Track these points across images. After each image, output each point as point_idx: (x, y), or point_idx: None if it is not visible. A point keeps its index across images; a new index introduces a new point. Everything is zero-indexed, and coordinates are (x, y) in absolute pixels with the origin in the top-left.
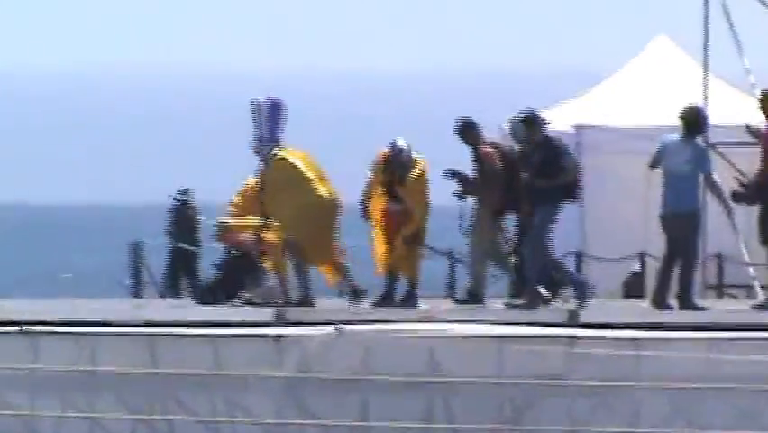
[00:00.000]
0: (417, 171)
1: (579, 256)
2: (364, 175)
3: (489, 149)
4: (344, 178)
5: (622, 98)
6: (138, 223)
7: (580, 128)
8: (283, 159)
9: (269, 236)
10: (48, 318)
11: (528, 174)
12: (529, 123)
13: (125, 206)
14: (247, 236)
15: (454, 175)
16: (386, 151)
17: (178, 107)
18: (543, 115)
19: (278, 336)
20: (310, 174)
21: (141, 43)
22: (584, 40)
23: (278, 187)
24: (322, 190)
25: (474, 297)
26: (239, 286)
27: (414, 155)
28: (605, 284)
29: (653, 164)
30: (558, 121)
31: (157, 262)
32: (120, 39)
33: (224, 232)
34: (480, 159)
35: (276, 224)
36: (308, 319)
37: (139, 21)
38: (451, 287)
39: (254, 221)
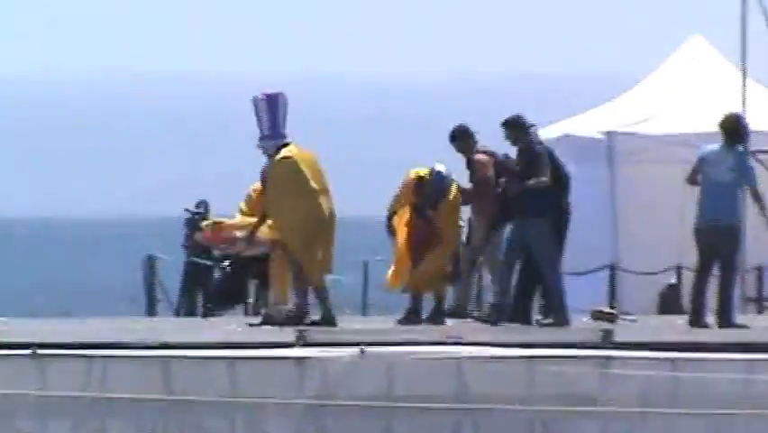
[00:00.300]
0: (452, 196)
1: (612, 269)
2: (393, 188)
3: (481, 157)
4: (369, 185)
5: (655, 102)
6: (152, 236)
7: (611, 135)
8: (286, 160)
9: (265, 236)
10: (59, 340)
11: (506, 182)
12: (510, 127)
13: (139, 218)
14: (238, 236)
15: None
16: (419, 173)
17: (192, 114)
18: (574, 121)
19: (300, 358)
20: (312, 183)
21: (163, 51)
22: (614, 41)
23: (279, 190)
24: (321, 203)
25: (499, 311)
26: (240, 294)
27: (451, 177)
28: (640, 298)
29: (692, 178)
30: (588, 127)
31: (172, 277)
32: (139, 45)
33: (214, 230)
34: (472, 167)
35: (273, 225)
36: (331, 340)
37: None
38: (479, 303)
39: (247, 221)
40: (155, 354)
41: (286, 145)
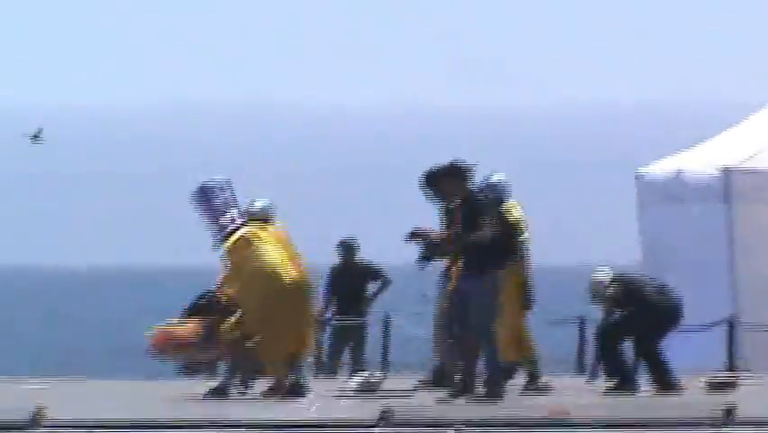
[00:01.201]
0: (526, 235)
1: (731, 324)
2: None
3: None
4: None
5: None
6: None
7: (727, 171)
8: (238, 242)
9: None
10: (112, 418)
11: (453, 234)
12: (450, 176)
13: (186, 268)
14: (190, 339)
15: (416, 236)
16: None
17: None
18: (686, 156)
19: None
20: (272, 253)
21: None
22: (729, 67)
23: (239, 274)
24: (287, 271)
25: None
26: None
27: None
28: (763, 357)
29: None
30: (702, 163)
31: None
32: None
33: (157, 339)
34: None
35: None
36: (420, 419)
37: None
38: (581, 361)
39: (200, 326)
40: None
41: (236, 230)
